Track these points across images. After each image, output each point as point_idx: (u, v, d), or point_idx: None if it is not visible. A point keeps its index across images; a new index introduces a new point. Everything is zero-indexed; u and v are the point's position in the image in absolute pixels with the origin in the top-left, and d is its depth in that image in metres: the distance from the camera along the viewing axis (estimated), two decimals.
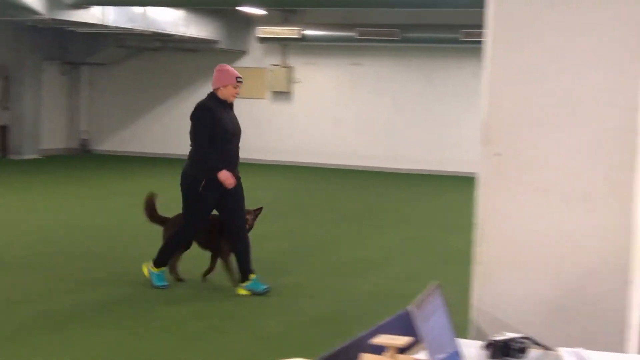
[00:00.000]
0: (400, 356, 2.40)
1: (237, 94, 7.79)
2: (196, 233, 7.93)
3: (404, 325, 2.58)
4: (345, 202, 14.86)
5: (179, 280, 8.11)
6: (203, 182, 7.62)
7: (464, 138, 18.97)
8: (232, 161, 7.74)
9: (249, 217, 7.92)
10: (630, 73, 3.33)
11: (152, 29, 18.03)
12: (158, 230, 8.18)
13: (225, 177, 7.55)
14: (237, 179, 7.71)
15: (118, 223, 11.65)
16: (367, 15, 19.21)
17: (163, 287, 7.83)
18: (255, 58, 21.10)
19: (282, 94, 21.02)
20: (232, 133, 7.74)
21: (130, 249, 9.71)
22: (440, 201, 15.60)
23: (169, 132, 21.33)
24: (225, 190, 7.62)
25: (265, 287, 7.75)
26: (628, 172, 3.35)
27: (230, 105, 7.78)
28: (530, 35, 3.40)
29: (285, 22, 20.28)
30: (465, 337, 3.23)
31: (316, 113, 20.78)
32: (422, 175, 19.22)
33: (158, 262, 7.89)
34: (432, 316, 2.51)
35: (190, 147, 7.79)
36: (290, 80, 20.90)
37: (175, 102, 21.54)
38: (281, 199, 14.85)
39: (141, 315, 7.05)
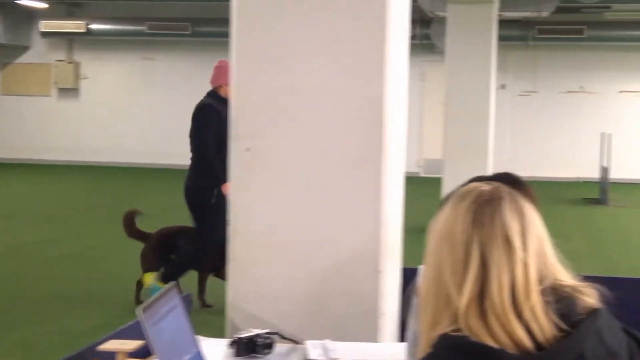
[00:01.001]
0: None
1: None
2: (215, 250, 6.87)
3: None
4: (138, 202, 14.52)
5: (206, 306, 7.13)
6: (215, 191, 6.91)
7: None
8: None
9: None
10: (375, 64, 3.37)
11: None
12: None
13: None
14: None
15: None
16: (158, 8, 18.90)
17: None
18: (39, 53, 20.35)
19: (69, 91, 20.38)
20: None
21: None
22: None
23: None
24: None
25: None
26: (375, 163, 3.40)
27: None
28: (272, 27, 3.39)
29: (69, 15, 19.67)
30: (223, 336, 3.19)
31: (106, 110, 20.28)
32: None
33: (166, 278, 6.94)
34: (164, 318, 2.44)
35: (191, 157, 7.10)
36: (77, 76, 20.29)
37: None
38: (68, 200, 14.40)
39: None
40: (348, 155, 3.40)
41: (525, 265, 1.80)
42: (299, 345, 2.99)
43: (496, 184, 1.98)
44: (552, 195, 16.19)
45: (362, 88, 3.38)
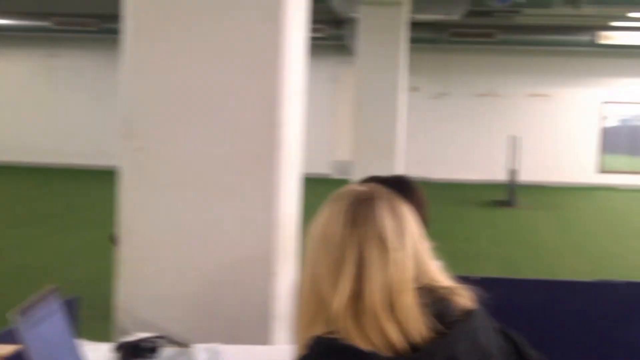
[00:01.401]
0: None
1: None
2: None
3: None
4: (35, 203, 14.24)
5: None
6: None
7: None
8: None
9: None
10: (269, 64, 3.34)
11: None
12: None
13: None
14: None
15: None
16: (64, 3, 18.52)
17: None
18: None
19: None
20: None
21: None
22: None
23: None
24: None
25: None
26: (269, 164, 3.37)
27: None
28: (166, 26, 3.33)
29: None
30: (111, 341, 3.12)
31: (9, 107, 19.81)
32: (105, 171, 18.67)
33: None
34: (43, 322, 2.36)
35: None
36: None
37: None
38: None
39: None
40: (242, 156, 3.36)
41: (401, 265, 1.80)
42: (187, 349, 2.94)
43: (372, 184, 1.98)
44: (461, 198, 16.41)
45: (257, 88, 3.34)
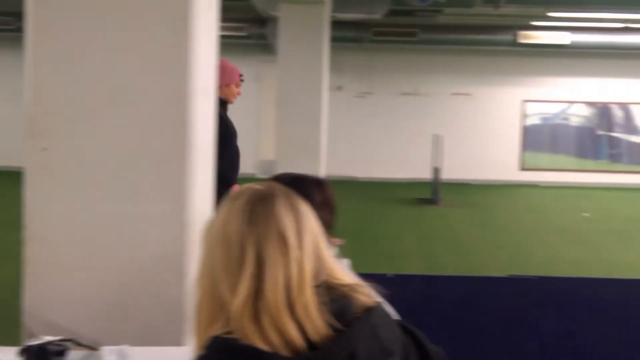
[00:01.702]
0: None
1: (239, 94, 6.61)
2: None
3: None
4: None
5: None
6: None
7: None
8: (238, 170, 6.60)
9: None
10: (178, 61, 3.30)
11: None
12: None
13: None
14: None
15: None
16: None
17: None
18: None
19: None
20: (236, 138, 6.57)
21: None
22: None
23: None
24: None
25: None
26: (180, 163, 3.33)
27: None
28: (71, 23, 3.26)
29: None
30: (18, 344, 3.05)
31: None
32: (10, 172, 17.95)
33: None
34: None
35: None
36: None
37: None
38: None
39: None
40: (151, 155, 3.31)
41: (300, 263, 1.80)
42: (95, 352, 2.90)
43: (271, 183, 1.97)
44: (386, 196, 16.51)
45: (166, 86, 3.30)
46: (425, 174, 17.63)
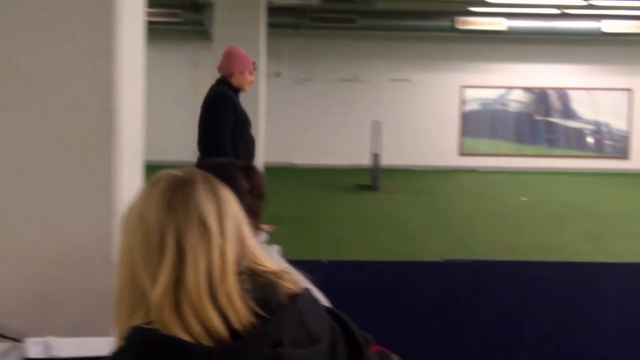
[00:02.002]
0: None
1: (252, 81, 6.45)
2: None
3: None
4: None
5: None
6: None
7: None
8: (254, 159, 6.41)
9: None
10: (103, 49, 3.23)
11: None
12: None
13: None
14: None
15: None
16: None
17: None
18: None
19: None
20: (250, 126, 6.42)
21: None
22: None
23: None
24: None
25: None
26: (105, 151, 3.26)
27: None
28: None
29: None
30: None
31: None
32: None
33: None
34: None
35: (200, 152, 6.35)
36: None
37: None
38: None
39: None
40: (76, 144, 3.23)
41: (222, 250, 1.75)
42: (19, 344, 2.82)
43: (191, 168, 1.93)
44: (326, 183, 16.51)
45: (90, 74, 3.22)
46: (365, 161, 17.67)
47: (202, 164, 2.70)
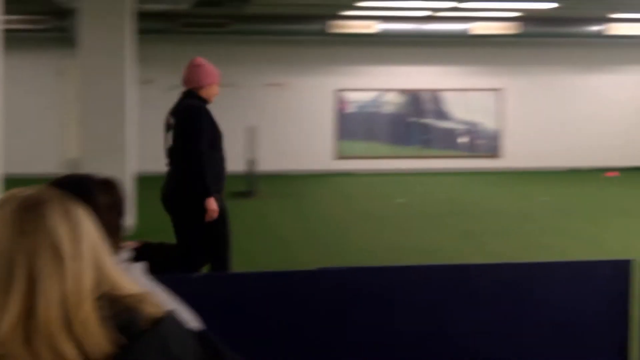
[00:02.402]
0: None
1: (217, 94, 6.33)
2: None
3: None
4: None
5: None
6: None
7: None
8: (224, 173, 6.50)
9: None
10: None
11: None
12: None
13: (213, 207, 6.11)
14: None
15: None
16: None
17: None
18: None
19: None
20: (222, 140, 6.30)
21: None
22: None
23: None
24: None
25: None
26: None
27: None
28: None
29: None
30: None
31: None
32: None
33: None
34: None
35: (174, 164, 6.26)
36: None
37: None
38: None
39: None
40: None
41: (77, 276, 1.63)
42: None
43: (42, 187, 1.77)
44: None
45: None
46: (240, 167, 17.45)
47: (58, 180, 2.50)
